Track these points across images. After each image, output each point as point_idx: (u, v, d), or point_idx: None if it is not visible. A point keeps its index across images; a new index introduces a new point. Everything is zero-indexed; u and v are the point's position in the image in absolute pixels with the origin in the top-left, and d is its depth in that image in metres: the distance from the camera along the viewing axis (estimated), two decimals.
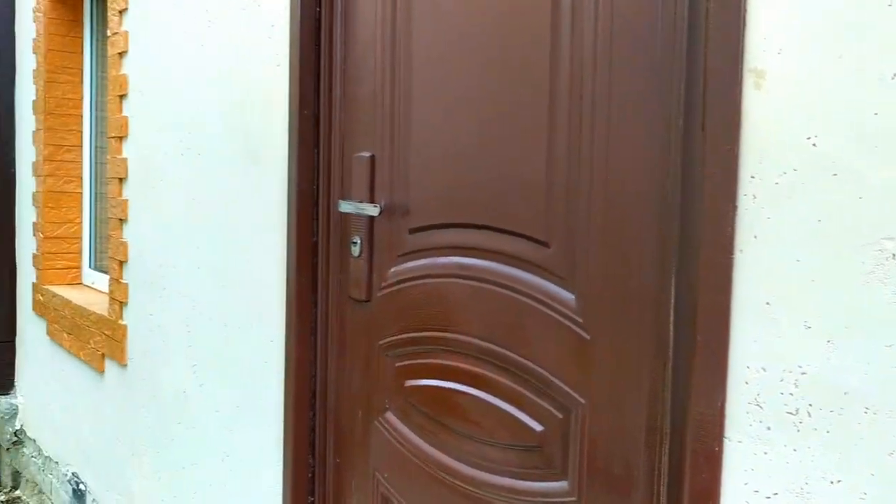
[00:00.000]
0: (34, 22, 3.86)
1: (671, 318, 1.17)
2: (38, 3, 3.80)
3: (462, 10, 1.54)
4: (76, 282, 3.93)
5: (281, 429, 2.01)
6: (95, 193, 3.90)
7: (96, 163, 3.89)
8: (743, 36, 1.03)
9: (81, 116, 3.88)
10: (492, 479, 1.49)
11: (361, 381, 1.84)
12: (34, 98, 3.90)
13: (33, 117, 3.92)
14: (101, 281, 3.74)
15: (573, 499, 1.34)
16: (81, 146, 3.89)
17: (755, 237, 1.02)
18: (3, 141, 4.25)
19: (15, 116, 4.27)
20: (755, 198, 1.02)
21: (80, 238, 3.92)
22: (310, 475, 1.97)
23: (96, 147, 3.88)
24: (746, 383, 1.03)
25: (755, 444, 1.03)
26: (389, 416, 1.76)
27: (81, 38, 3.86)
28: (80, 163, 3.89)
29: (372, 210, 1.73)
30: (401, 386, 1.72)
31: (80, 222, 3.91)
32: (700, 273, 1.08)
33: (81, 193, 3.91)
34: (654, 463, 1.20)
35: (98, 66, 3.87)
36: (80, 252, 3.93)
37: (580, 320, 1.32)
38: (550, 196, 1.37)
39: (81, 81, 3.87)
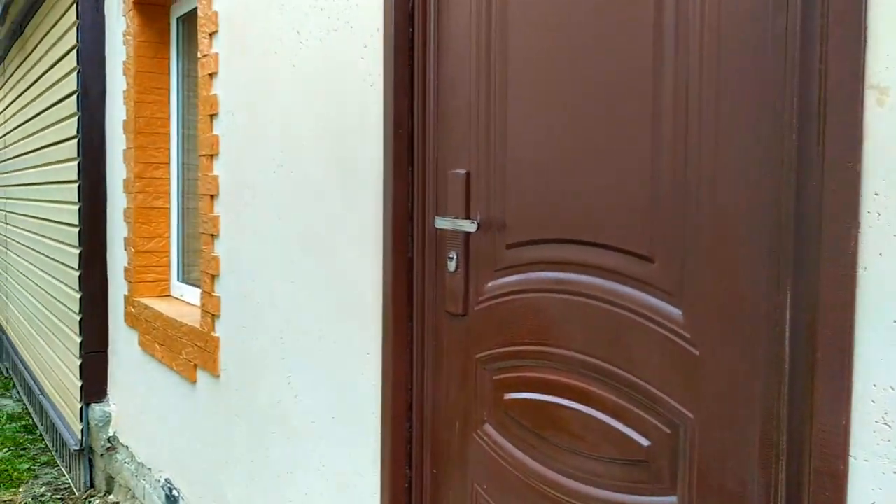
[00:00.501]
0: (124, 45, 4.03)
1: (787, 335, 1.16)
2: (127, 27, 3.97)
3: (559, 24, 1.56)
4: (165, 294, 4.08)
5: (377, 439, 2.05)
6: (182, 209, 4.04)
7: (183, 179, 4.03)
8: (864, 52, 1.02)
9: (169, 135, 4.03)
10: (596, 492, 1.50)
11: (458, 393, 1.87)
12: (125, 118, 4.07)
13: (124, 136, 4.09)
14: (190, 293, 3.87)
15: None
16: (169, 163, 4.04)
17: (880, 255, 1.01)
18: (96, 159, 4.44)
19: (106, 136, 4.46)
20: (879, 215, 1.01)
21: (168, 252, 4.07)
22: (406, 486, 2.01)
23: (183, 164, 4.03)
24: (873, 402, 1.02)
25: (884, 462, 1.02)
26: (488, 428, 1.79)
27: (168, 59, 4.01)
28: (168, 179, 4.04)
29: (469, 226, 1.76)
30: (499, 399, 1.74)
31: (169, 237, 4.06)
32: (820, 290, 1.07)
33: (169, 209, 4.06)
34: (771, 480, 1.20)
35: (184, 86, 4.01)
36: (168, 265, 4.08)
37: (688, 336, 1.33)
38: (654, 211, 1.37)
39: (168, 101, 4.02)
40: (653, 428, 1.40)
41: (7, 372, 7.75)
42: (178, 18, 3.96)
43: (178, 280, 4.06)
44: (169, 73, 4.01)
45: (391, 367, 1.98)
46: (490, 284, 1.76)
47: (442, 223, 1.83)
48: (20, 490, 4.73)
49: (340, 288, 2.20)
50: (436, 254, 1.92)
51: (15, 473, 4.94)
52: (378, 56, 2.01)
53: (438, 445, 1.94)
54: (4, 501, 4.54)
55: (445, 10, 1.88)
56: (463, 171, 1.81)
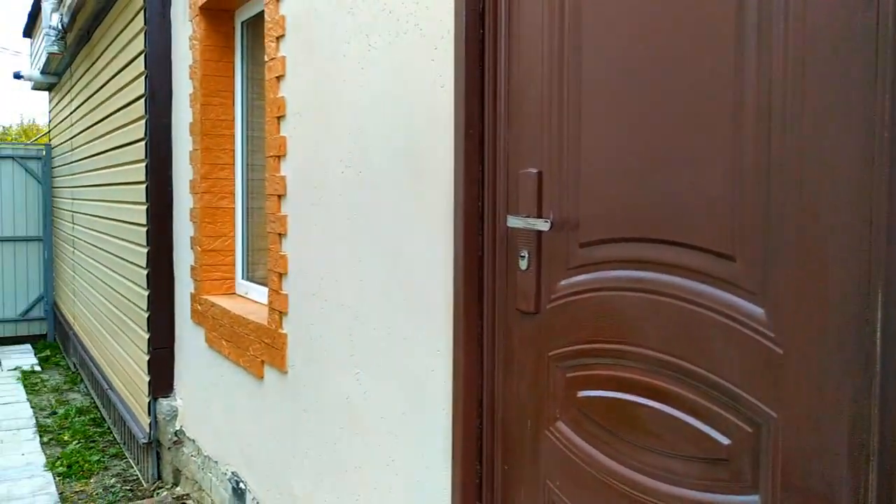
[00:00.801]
0: (190, 49, 4.14)
1: (878, 334, 1.15)
2: (194, 32, 4.08)
3: (636, 21, 1.56)
4: (230, 292, 4.18)
5: (447, 436, 2.08)
6: (246, 208, 4.14)
7: (247, 180, 4.13)
8: None
9: (233, 136, 4.13)
10: (674, 490, 1.50)
11: (530, 390, 1.88)
12: (191, 120, 4.18)
13: (190, 138, 4.20)
14: (254, 291, 3.96)
15: None
16: (234, 164, 4.13)
17: None
18: (163, 161, 4.57)
19: (172, 138, 4.58)
20: None
21: (233, 250, 4.17)
22: (477, 481, 2.03)
23: (247, 165, 4.12)
24: None
25: None
26: (560, 425, 1.80)
27: (233, 62, 4.10)
28: (233, 180, 4.14)
29: (542, 225, 1.77)
30: (572, 396, 1.76)
31: (234, 236, 4.16)
32: None
33: (234, 208, 4.15)
34: (861, 481, 1.19)
35: (248, 89, 4.11)
36: (233, 264, 4.18)
37: (771, 335, 1.32)
38: (736, 210, 1.37)
39: (233, 104, 4.11)
40: (733, 426, 1.39)
41: (75, 367, 8.01)
42: (242, 23, 4.05)
43: (242, 278, 4.16)
44: (233, 76, 4.11)
45: (462, 364, 2.00)
46: (563, 283, 1.78)
47: (514, 222, 1.85)
48: (91, 481, 4.89)
49: (409, 286, 2.24)
50: (506, 252, 1.94)
51: (86, 465, 5.12)
52: (449, 58, 2.03)
53: (509, 442, 1.96)
54: (77, 491, 4.70)
55: (516, 12, 1.89)
56: (535, 171, 1.83)
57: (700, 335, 1.45)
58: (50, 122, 10.48)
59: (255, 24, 4.03)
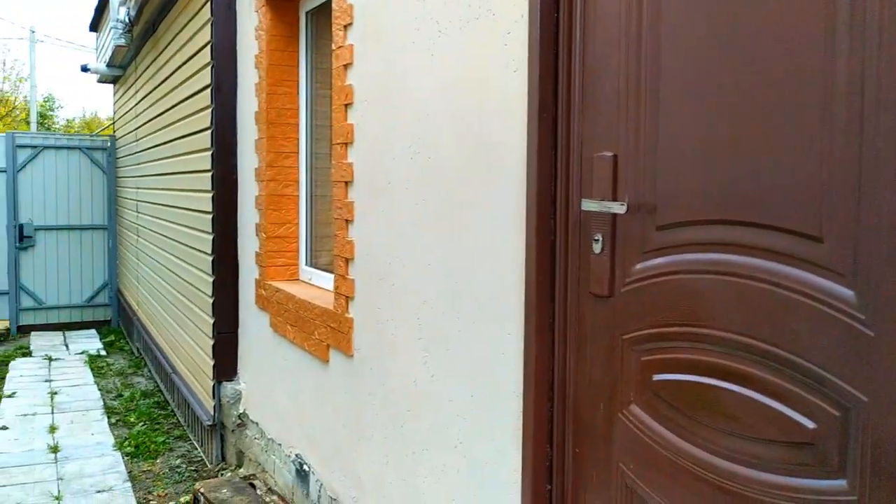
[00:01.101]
0: (256, 40, 4.22)
1: None
2: (260, 22, 4.15)
3: (719, 3, 1.55)
4: (294, 277, 4.25)
5: (517, 418, 2.10)
6: (311, 196, 4.20)
7: (311, 167, 4.19)
8: None
9: (298, 125, 4.19)
10: (755, 474, 1.49)
11: (602, 373, 1.89)
12: (256, 109, 4.25)
13: (255, 127, 4.28)
14: (318, 277, 4.02)
15: (853, 498, 1.32)
16: (298, 153, 4.20)
17: None
18: (228, 150, 4.67)
19: (237, 127, 4.68)
20: None
21: (297, 237, 4.24)
22: (548, 464, 2.04)
23: (311, 153, 4.18)
24: None
25: None
26: (634, 409, 1.80)
27: (297, 52, 4.16)
28: (297, 168, 4.20)
29: (618, 208, 1.77)
30: (647, 380, 1.75)
31: (298, 223, 4.23)
32: None
33: (298, 196, 4.22)
34: None
35: (312, 78, 4.16)
36: (297, 250, 4.25)
37: (861, 317, 1.30)
38: (824, 191, 1.35)
39: (297, 93, 4.18)
40: (819, 410, 1.38)
41: (139, 352, 8.25)
42: (307, 12, 4.11)
43: (306, 264, 4.23)
44: (298, 66, 4.17)
45: (534, 348, 2.02)
46: (638, 266, 1.77)
47: (589, 205, 1.85)
48: (157, 461, 5.04)
49: (478, 270, 2.26)
50: (579, 236, 1.95)
51: (152, 445, 5.28)
52: (522, 42, 2.04)
53: (581, 425, 1.96)
54: (145, 471, 4.85)
55: None
56: (610, 154, 1.82)
57: (785, 318, 1.43)
58: (114, 113, 10.78)
59: (320, 14, 4.08)
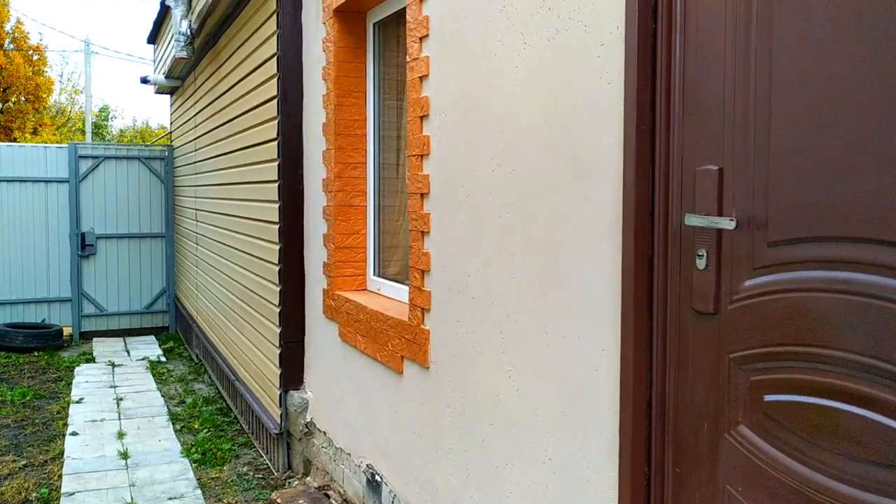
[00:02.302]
0: (323, 51, 4.25)
1: None
2: (327, 34, 4.18)
3: (839, 8, 1.50)
4: (362, 288, 4.27)
5: (612, 436, 2.06)
6: (378, 206, 4.22)
7: (379, 178, 4.21)
8: None
9: (365, 136, 4.21)
10: (881, 500, 1.44)
11: (706, 392, 1.84)
12: (324, 121, 4.28)
13: (323, 138, 4.31)
14: (387, 287, 4.03)
15: None
16: (366, 163, 4.22)
17: None
18: (295, 161, 4.71)
19: (303, 138, 4.72)
20: None
21: (365, 248, 4.26)
22: (646, 483, 2.00)
23: (379, 164, 4.20)
24: None
25: None
26: (743, 429, 1.75)
27: (364, 63, 4.19)
28: (365, 179, 4.22)
29: (727, 223, 1.73)
30: (758, 400, 1.71)
31: (366, 233, 4.25)
32: None
33: (366, 206, 4.24)
34: None
35: (380, 90, 4.18)
36: (365, 260, 4.27)
37: None
38: None
39: (365, 104, 4.20)
40: None
41: (198, 358, 8.38)
42: (374, 24, 4.13)
43: (374, 275, 4.24)
44: (365, 77, 4.19)
45: (632, 364, 1.98)
46: (748, 283, 1.73)
47: (694, 220, 1.81)
48: (225, 468, 5.10)
49: (568, 284, 2.23)
50: (679, 250, 1.91)
51: (219, 452, 5.34)
52: (616, 53, 2.01)
53: (682, 444, 1.92)
54: (213, 478, 4.91)
55: (693, 4, 1.85)
56: (715, 168, 1.78)
57: None
58: (171, 123, 10.99)
59: (387, 25, 4.10)
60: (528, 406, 2.44)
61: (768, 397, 1.68)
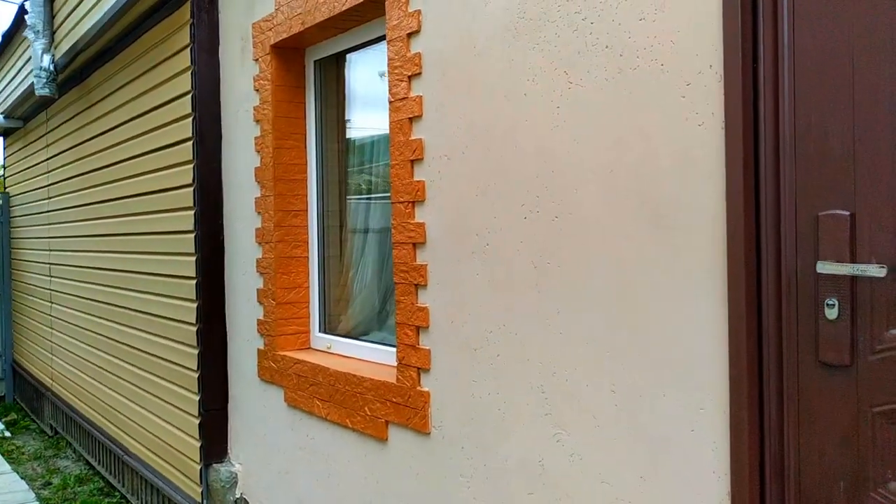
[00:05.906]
0: (257, 90, 3.90)
1: None
2: (262, 72, 3.85)
3: None
4: (305, 346, 3.91)
5: (717, 501, 1.92)
6: (324, 257, 3.89)
7: (324, 226, 3.89)
8: None
9: (306, 181, 3.89)
10: None
11: (841, 449, 1.74)
12: (257, 165, 3.92)
13: (256, 184, 3.93)
14: (340, 345, 3.71)
15: None
16: (307, 211, 3.89)
17: None
18: (215, 208, 4.28)
19: (223, 184, 4.30)
20: None
21: (307, 302, 3.90)
22: None
23: (324, 211, 3.89)
24: None
25: None
26: (893, 486, 1.66)
27: (303, 104, 3.88)
28: (307, 228, 3.89)
29: (875, 271, 1.65)
30: None
31: (308, 287, 3.90)
32: None
33: (308, 258, 3.90)
34: None
35: (322, 131, 3.89)
36: (308, 316, 3.91)
37: None
38: None
39: (305, 147, 3.89)
40: None
41: (54, 431, 7.42)
42: (315, 62, 3.85)
43: (319, 331, 3.88)
44: (306, 118, 3.88)
45: (745, 424, 1.85)
46: (893, 332, 1.65)
47: (829, 268, 1.72)
48: None
49: (647, 340, 2.08)
50: (796, 300, 1.81)
51: None
52: (708, 95, 1.91)
53: None
54: None
55: (803, 34, 1.79)
56: (846, 213, 1.71)
57: None
58: (5, 169, 9.85)
59: (329, 65, 3.83)
60: (591, 473, 2.24)
61: None
